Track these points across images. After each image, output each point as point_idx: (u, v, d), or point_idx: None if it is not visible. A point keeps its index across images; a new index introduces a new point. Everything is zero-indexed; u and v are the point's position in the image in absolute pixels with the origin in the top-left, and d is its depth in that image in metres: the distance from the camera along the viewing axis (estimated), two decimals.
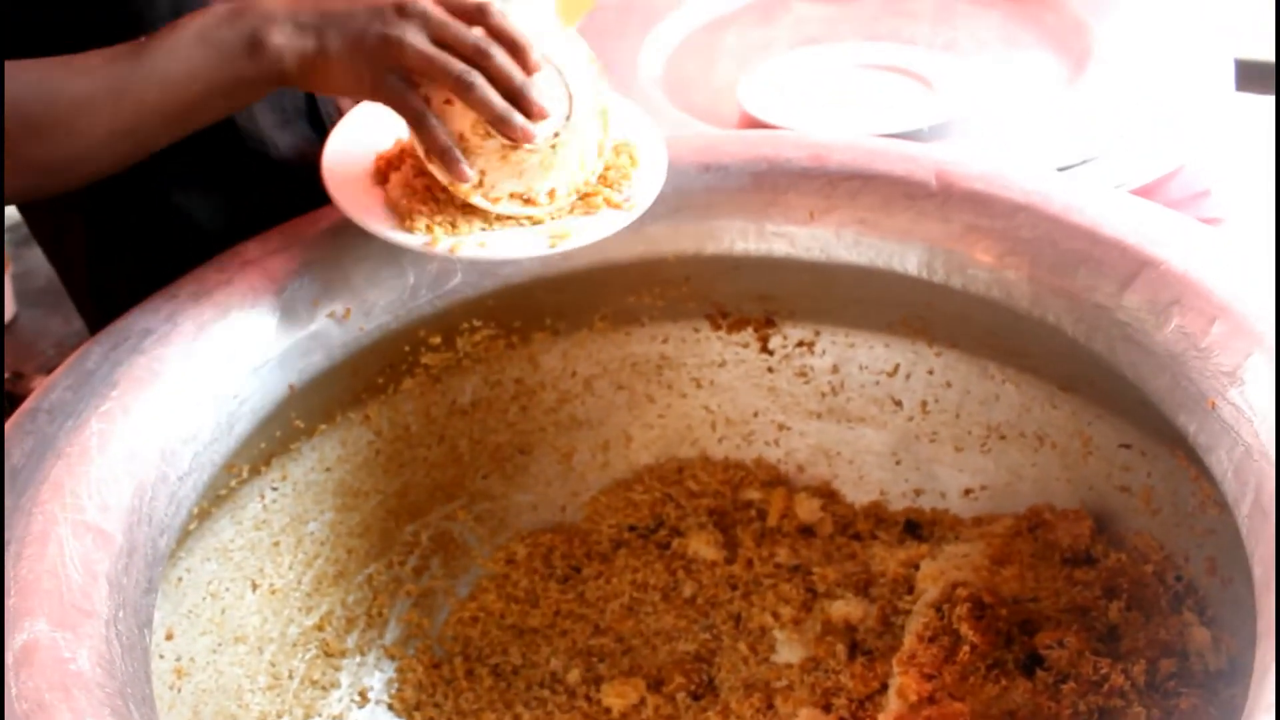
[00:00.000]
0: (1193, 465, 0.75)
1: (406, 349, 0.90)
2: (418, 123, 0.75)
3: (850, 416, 1.01)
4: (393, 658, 0.95)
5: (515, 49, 0.75)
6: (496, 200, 0.78)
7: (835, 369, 0.99)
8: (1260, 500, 0.60)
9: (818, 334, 0.99)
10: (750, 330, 0.99)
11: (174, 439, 0.72)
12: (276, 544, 0.89)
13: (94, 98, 0.71)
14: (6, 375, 1.62)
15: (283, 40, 0.72)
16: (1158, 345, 0.71)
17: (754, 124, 1.22)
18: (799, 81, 1.30)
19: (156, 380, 0.73)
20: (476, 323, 0.93)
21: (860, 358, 0.98)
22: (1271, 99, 1.58)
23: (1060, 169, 1.11)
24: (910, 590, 0.89)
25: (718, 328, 1.00)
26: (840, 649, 0.87)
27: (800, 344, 0.99)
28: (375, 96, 0.75)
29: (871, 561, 0.94)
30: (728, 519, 1.01)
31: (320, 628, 0.92)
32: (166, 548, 0.68)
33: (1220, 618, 0.78)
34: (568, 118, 0.78)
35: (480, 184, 0.77)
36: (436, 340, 0.91)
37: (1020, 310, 0.81)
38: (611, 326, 0.99)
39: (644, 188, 0.83)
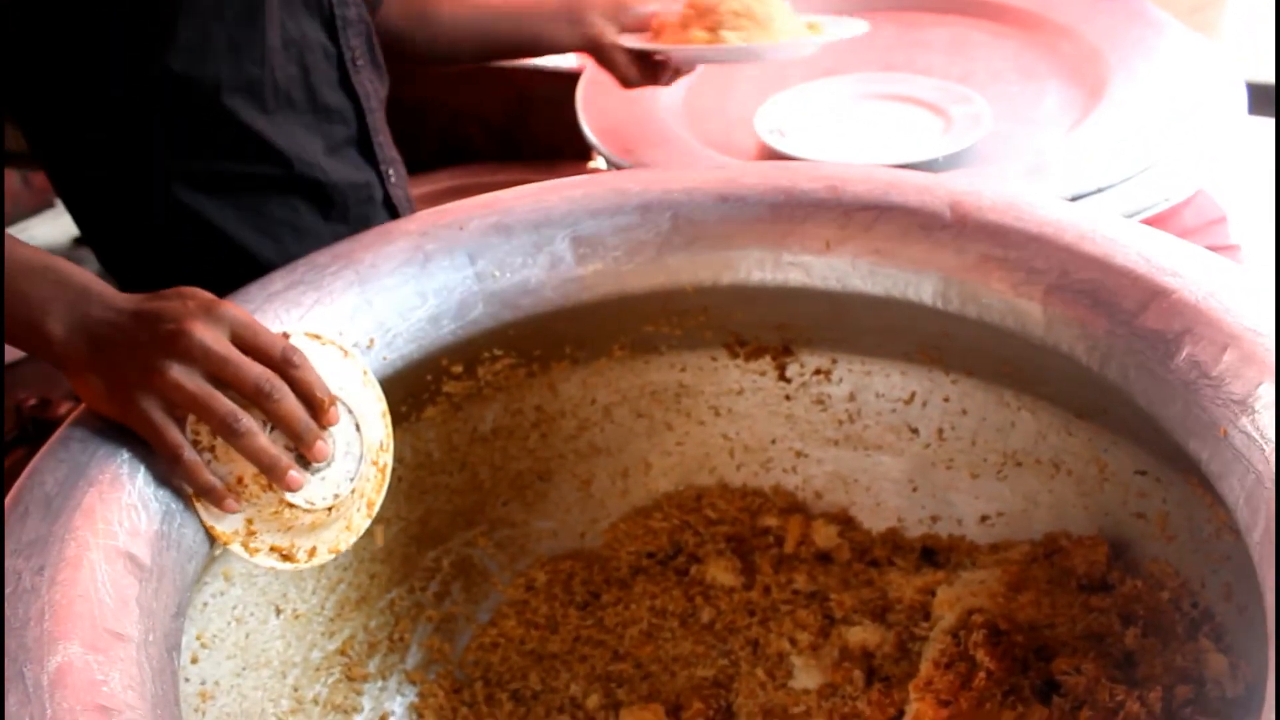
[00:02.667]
0: (1207, 492, 0.76)
1: (429, 378, 0.92)
2: (173, 460, 0.68)
3: (867, 444, 1.02)
4: (414, 682, 0.96)
5: (311, 400, 0.70)
6: (255, 551, 0.72)
7: (852, 397, 1.00)
8: (1272, 527, 0.60)
9: (835, 362, 1.00)
10: (768, 359, 1.01)
11: None
12: (300, 569, 0.90)
13: None
14: (34, 401, 1.65)
15: (59, 335, 0.69)
16: (1170, 374, 0.72)
17: (770, 154, 1.23)
18: (815, 112, 1.32)
19: None
20: (498, 352, 0.94)
21: (877, 385, 0.99)
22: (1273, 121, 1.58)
23: (1075, 198, 1.12)
24: (926, 617, 0.90)
25: (735, 356, 1.01)
26: (857, 675, 0.88)
27: (817, 372, 1.00)
28: (126, 420, 0.69)
29: (888, 588, 0.95)
30: (745, 546, 1.02)
31: (343, 652, 0.93)
32: (194, 573, 0.70)
33: (1237, 645, 0.79)
34: (352, 480, 0.73)
35: (241, 532, 0.71)
36: (458, 369, 0.93)
37: (1034, 339, 0.82)
38: (630, 355, 1.00)
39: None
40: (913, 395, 0.98)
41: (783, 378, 1.01)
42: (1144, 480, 0.87)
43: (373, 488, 0.76)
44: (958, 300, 0.85)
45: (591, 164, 1.73)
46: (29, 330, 0.69)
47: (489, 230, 0.90)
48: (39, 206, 2.60)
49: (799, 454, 1.04)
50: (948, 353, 0.94)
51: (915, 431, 0.99)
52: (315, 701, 0.91)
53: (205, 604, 0.83)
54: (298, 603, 0.90)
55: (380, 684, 0.95)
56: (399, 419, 0.93)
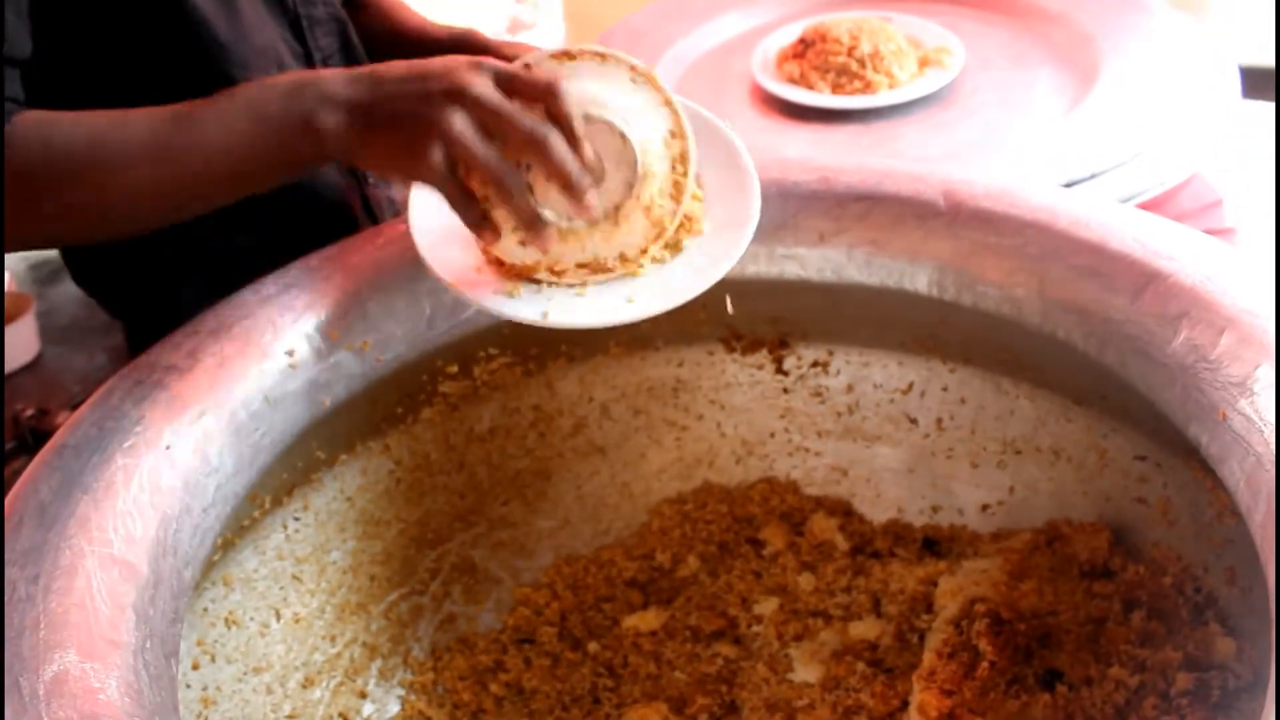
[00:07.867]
0: (1208, 476, 0.75)
1: (424, 378, 0.92)
2: (464, 207, 0.73)
3: (866, 435, 1.01)
4: (416, 684, 0.95)
5: (573, 136, 0.72)
6: (563, 272, 0.78)
7: (850, 388, 1.00)
8: (1273, 510, 0.60)
9: (831, 354, 0.99)
10: (764, 352, 1.00)
11: (197, 472, 0.73)
12: (299, 573, 0.90)
13: (135, 154, 0.71)
14: (32, 411, 1.64)
15: (334, 124, 0.71)
16: (1168, 357, 0.71)
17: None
18: None
19: (180, 414, 0.74)
20: (493, 351, 0.94)
21: (875, 376, 0.99)
22: (1272, 104, 1.58)
23: (1070, 184, 1.12)
24: (929, 608, 0.90)
25: (732, 350, 1.01)
26: (860, 667, 0.87)
27: (815, 364, 1.00)
28: (421, 178, 0.73)
29: (890, 579, 0.94)
30: (745, 539, 1.01)
31: (343, 655, 0.93)
32: (191, 579, 0.69)
33: (1243, 628, 0.78)
34: (631, 185, 0.76)
35: (543, 261, 0.77)
36: (454, 369, 0.92)
37: (1031, 326, 0.81)
38: (626, 351, 1.00)
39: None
40: (910, 385, 0.98)
41: (780, 371, 1.01)
42: (1144, 465, 0.86)
43: (664, 188, 0.77)
44: (953, 289, 0.85)
45: None
46: (300, 137, 0.72)
47: None
48: None
49: (798, 447, 1.03)
50: (945, 342, 0.94)
51: (914, 421, 0.99)
52: (317, 705, 0.90)
53: (205, 609, 0.83)
54: (298, 606, 0.90)
55: (383, 686, 0.94)
56: (395, 420, 0.93)
